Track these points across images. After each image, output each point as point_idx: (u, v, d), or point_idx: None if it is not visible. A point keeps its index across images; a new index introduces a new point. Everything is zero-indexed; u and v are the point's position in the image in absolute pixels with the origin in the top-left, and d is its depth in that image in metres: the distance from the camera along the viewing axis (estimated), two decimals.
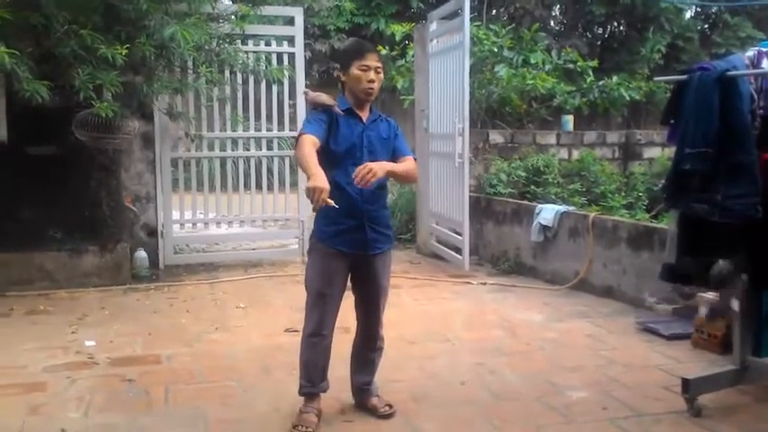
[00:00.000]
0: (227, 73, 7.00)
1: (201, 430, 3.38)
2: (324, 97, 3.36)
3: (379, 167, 3.10)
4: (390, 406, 3.52)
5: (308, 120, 3.32)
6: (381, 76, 3.33)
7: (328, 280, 3.35)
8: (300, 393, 3.45)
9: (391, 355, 3.88)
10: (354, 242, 3.31)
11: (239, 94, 7.32)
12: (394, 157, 3.41)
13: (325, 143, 3.22)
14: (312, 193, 2.90)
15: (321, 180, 2.92)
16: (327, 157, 3.20)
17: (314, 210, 3.02)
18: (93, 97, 5.11)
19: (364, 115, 3.37)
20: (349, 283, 3.49)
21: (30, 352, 4.52)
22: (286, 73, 7.12)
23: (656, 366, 4.23)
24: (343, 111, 3.31)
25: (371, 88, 3.29)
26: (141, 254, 6.77)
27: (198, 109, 7.17)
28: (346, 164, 3.26)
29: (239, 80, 7.24)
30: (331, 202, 2.95)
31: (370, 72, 3.27)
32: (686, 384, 3.47)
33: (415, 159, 3.51)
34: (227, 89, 7.12)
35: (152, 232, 7.09)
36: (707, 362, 4.25)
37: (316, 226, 3.43)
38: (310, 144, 3.12)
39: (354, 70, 3.28)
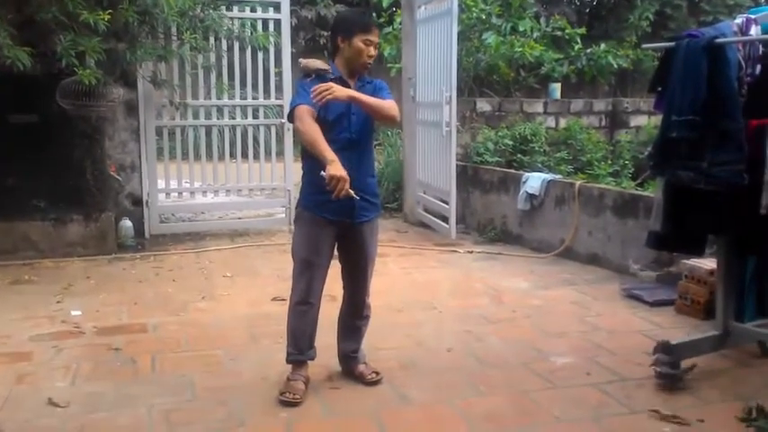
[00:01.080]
0: (211, 40, 6.90)
1: (189, 398, 3.39)
2: (318, 63, 3.37)
3: (340, 89, 3.13)
4: (377, 373, 3.55)
5: (301, 88, 3.28)
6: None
7: (315, 248, 3.35)
8: (288, 361, 3.46)
9: (378, 323, 3.90)
10: (341, 210, 3.29)
11: (224, 62, 7.23)
12: None
13: (317, 112, 3.21)
14: (335, 182, 3.00)
15: (341, 168, 3.02)
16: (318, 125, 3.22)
17: (334, 197, 3.05)
18: (76, 64, 5.04)
19: (353, 83, 3.36)
20: (336, 252, 3.49)
21: (15, 321, 4.50)
22: (272, 40, 7.05)
23: (639, 332, 4.28)
24: (334, 78, 3.28)
25: (370, 63, 3.34)
26: (126, 223, 6.73)
27: (182, 76, 7.07)
28: (334, 132, 3.25)
29: (224, 47, 7.14)
30: (352, 192, 3.05)
31: (371, 47, 3.30)
32: (669, 349, 3.51)
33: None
34: (212, 56, 7.03)
35: (137, 201, 7.04)
36: (690, 327, 4.31)
37: (302, 194, 3.42)
38: (311, 118, 3.17)
39: (358, 42, 3.28)
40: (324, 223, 3.33)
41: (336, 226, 3.36)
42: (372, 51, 3.31)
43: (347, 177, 3.01)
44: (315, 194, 3.30)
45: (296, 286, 3.41)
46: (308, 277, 3.37)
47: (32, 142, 6.22)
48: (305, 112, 3.17)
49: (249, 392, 3.45)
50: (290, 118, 3.30)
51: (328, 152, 3.07)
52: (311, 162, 3.28)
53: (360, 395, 3.44)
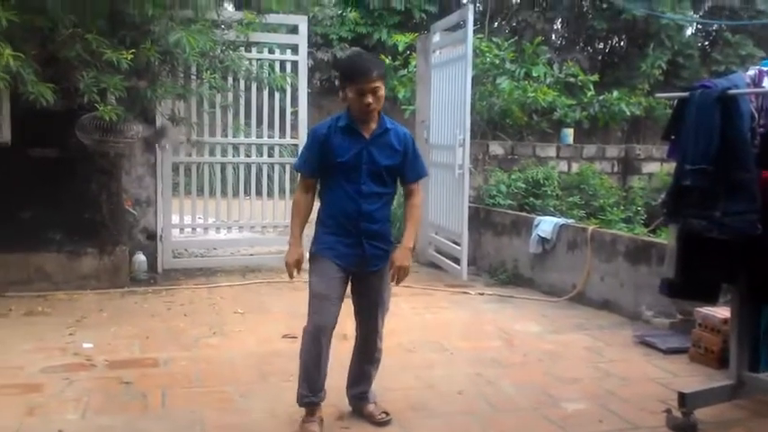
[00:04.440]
0: (230, 79, 7.03)
1: None
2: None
3: (405, 258, 3.43)
4: (387, 413, 3.53)
5: (312, 143, 3.38)
6: (381, 92, 3.25)
7: (326, 285, 3.34)
8: (301, 404, 3.40)
9: (389, 364, 3.89)
10: (351, 258, 3.35)
11: (242, 101, 7.35)
12: (402, 181, 3.44)
13: (323, 163, 3.32)
14: (287, 266, 3.37)
15: (291, 255, 3.36)
16: (326, 174, 3.34)
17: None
18: (98, 100, 5.13)
19: (369, 129, 3.32)
20: (349, 292, 3.50)
21: (27, 353, 4.52)
22: (289, 81, 7.16)
23: (652, 380, 4.24)
24: (341, 127, 3.30)
25: (369, 111, 3.24)
26: (140, 257, 6.78)
27: (200, 114, 7.19)
28: (345, 179, 3.29)
29: (242, 87, 7.27)
30: (295, 273, 3.39)
31: (366, 96, 3.19)
32: (683, 398, 3.48)
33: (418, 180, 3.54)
34: (230, 95, 7.15)
35: (151, 236, 7.09)
36: (704, 376, 4.27)
37: (315, 234, 3.45)
38: (305, 192, 3.42)
39: (351, 93, 3.23)
40: (335, 265, 3.34)
41: (347, 271, 3.38)
42: (369, 99, 3.19)
43: (296, 262, 3.33)
44: (327, 236, 3.35)
45: (309, 318, 3.38)
46: (321, 310, 3.34)
47: (51, 175, 6.30)
48: (303, 184, 3.42)
49: (259, 430, 3.44)
50: (297, 170, 3.58)
51: (293, 235, 3.39)
52: (323, 204, 3.39)
53: None
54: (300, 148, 7.34)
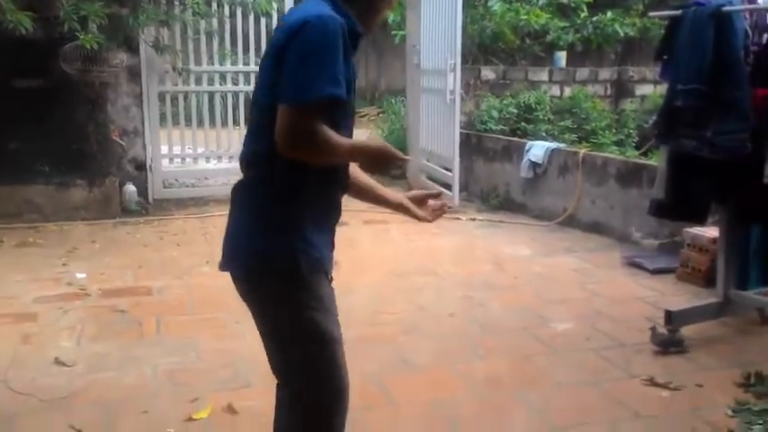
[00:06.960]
0: (214, 5, 6.85)
1: (193, 359, 3.44)
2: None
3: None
4: None
5: (332, 54, 1.72)
6: None
7: (335, 319, 2.00)
8: None
9: (381, 289, 3.94)
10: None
11: (227, 27, 7.19)
12: None
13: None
14: (391, 160, 1.90)
15: (372, 142, 2.16)
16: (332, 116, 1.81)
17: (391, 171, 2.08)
18: (78, 29, 5.02)
19: None
20: None
21: (20, 283, 4.55)
22: (274, 5, 6.98)
23: (639, 299, 4.31)
24: (353, 34, 1.84)
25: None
26: (130, 188, 6.74)
27: (185, 42, 7.04)
28: (345, 122, 1.92)
29: (227, 13, 7.09)
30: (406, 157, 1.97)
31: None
32: (669, 316, 3.55)
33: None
34: (215, 22, 6.98)
35: (140, 166, 7.03)
36: (690, 295, 4.34)
37: (297, 231, 1.89)
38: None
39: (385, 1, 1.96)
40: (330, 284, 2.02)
41: None
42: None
43: (384, 144, 1.96)
44: (317, 234, 1.94)
45: (323, 380, 1.97)
46: (339, 361, 2.00)
47: (36, 106, 6.20)
48: (321, 123, 1.74)
49: (253, 354, 3.45)
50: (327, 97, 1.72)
51: (348, 144, 1.87)
52: (303, 180, 1.86)
53: (363, 359, 3.45)
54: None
